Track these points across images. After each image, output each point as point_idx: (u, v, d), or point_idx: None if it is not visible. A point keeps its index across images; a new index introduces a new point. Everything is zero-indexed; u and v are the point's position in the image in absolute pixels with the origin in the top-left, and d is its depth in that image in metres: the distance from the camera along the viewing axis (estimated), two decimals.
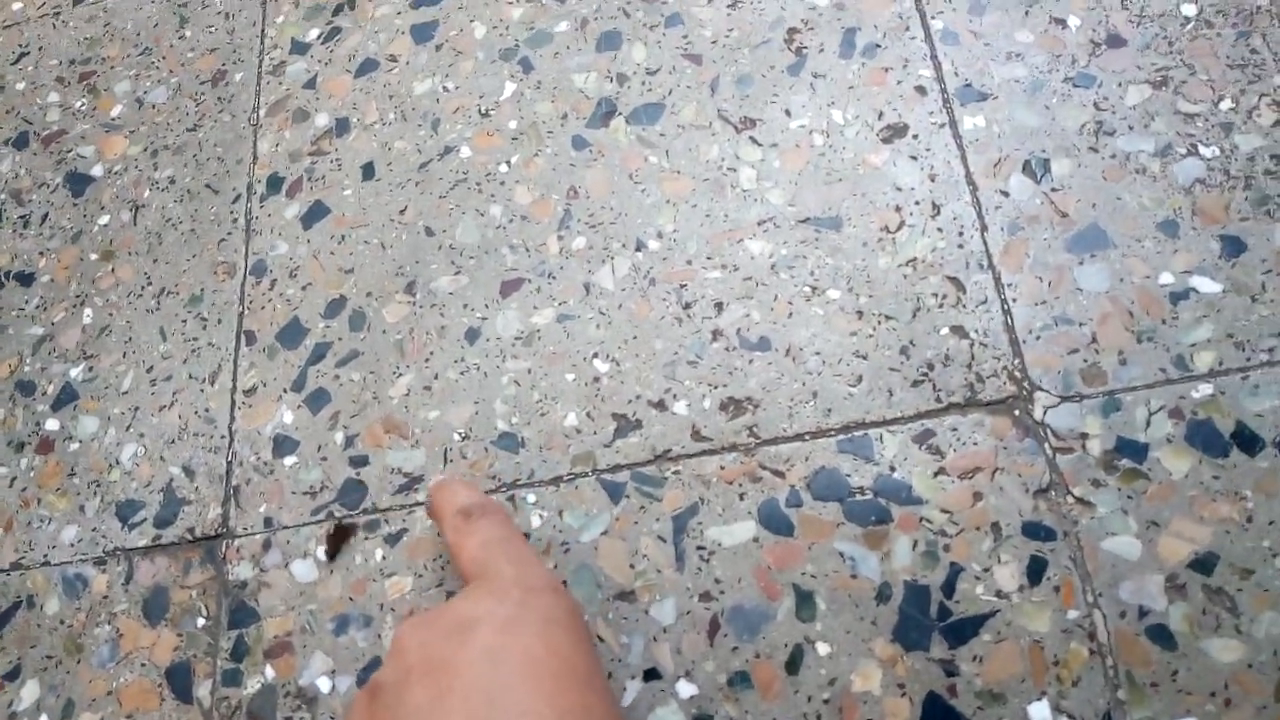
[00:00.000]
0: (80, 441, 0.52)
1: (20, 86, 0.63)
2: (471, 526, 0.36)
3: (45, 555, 0.49)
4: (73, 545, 0.49)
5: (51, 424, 0.52)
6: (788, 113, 0.50)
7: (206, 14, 0.62)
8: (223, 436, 0.50)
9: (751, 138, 0.49)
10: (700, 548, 0.42)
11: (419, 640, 0.30)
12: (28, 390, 0.54)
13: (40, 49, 0.64)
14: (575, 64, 0.54)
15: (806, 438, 0.43)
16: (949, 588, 0.40)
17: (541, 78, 0.54)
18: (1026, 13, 0.49)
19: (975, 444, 0.42)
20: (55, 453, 0.52)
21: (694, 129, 0.51)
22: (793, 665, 0.40)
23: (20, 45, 0.65)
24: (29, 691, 0.46)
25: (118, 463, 0.50)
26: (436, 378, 0.48)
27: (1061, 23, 0.48)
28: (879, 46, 0.50)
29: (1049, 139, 0.46)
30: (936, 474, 0.41)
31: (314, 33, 0.59)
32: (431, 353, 0.49)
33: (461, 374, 0.48)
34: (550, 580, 0.33)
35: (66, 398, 0.53)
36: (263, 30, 0.60)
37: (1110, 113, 0.46)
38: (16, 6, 0.66)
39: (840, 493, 0.42)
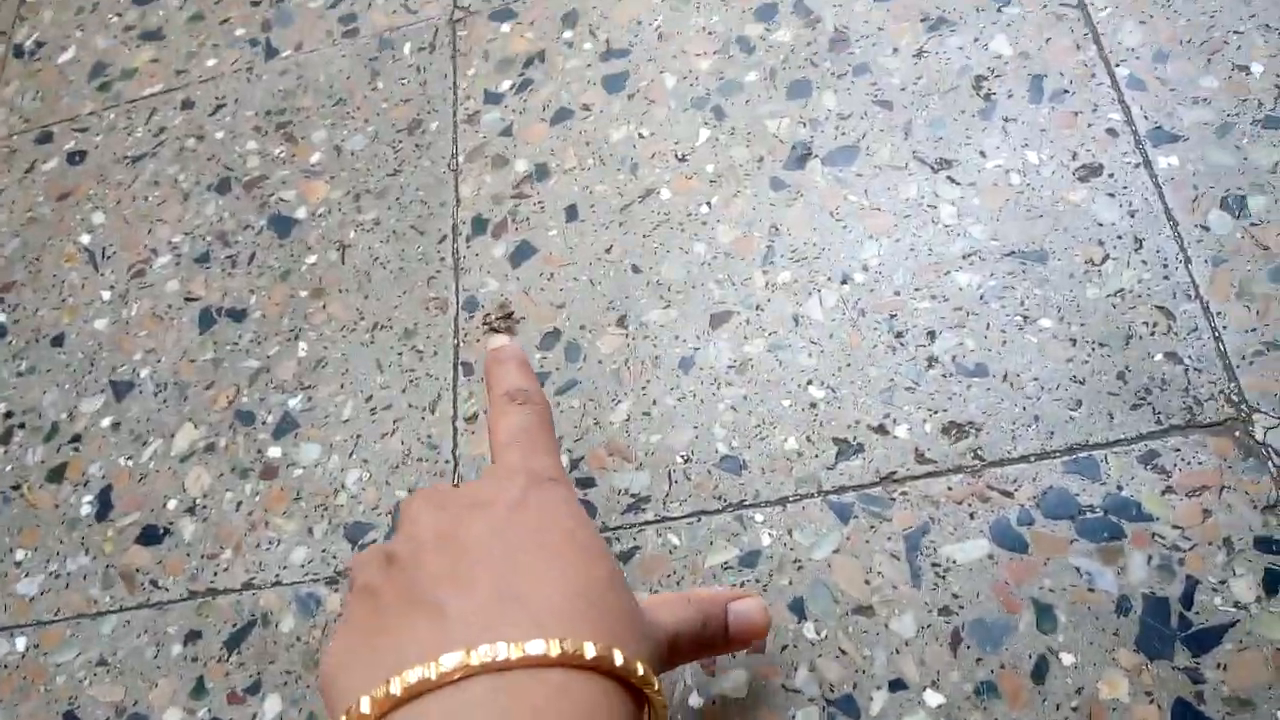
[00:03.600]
0: (304, 468, 0.54)
1: (219, 135, 0.68)
2: (511, 409, 0.38)
3: (276, 575, 0.52)
4: (303, 566, 0.52)
5: (274, 451, 0.55)
6: (982, 154, 0.53)
7: (398, 68, 0.66)
8: (446, 461, 0.52)
9: (949, 177, 0.52)
10: (935, 564, 0.44)
11: (431, 518, 0.32)
12: (247, 420, 0.57)
13: (236, 100, 0.69)
14: (767, 110, 0.57)
15: (1032, 459, 0.45)
16: (1187, 599, 0.42)
17: (735, 124, 0.57)
18: (1209, 60, 0.52)
19: (1200, 463, 0.44)
20: (279, 478, 0.54)
21: (890, 169, 0.54)
22: (1038, 674, 0.42)
23: (217, 98, 0.69)
24: (271, 705, 0.49)
25: (343, 487, 0.53)
26: (655, 404, 0.51)
27: (1245, 69, 0.51)
28: (1067, 92, 0.53)
29: (1243, 177, 0.49)
30: (1164, 492, 0.44)
31: (506, 84, 0.63)
32: (648, 380, 0.52)
33: (679, 400, 0.51)
34: (557, 473, 0.35)
35: (287, 426, 0.56)
36: (454, 83, 0.64)
37: None
38: (210, 62, 0.71)
39: (1070, 511, 0.44)
